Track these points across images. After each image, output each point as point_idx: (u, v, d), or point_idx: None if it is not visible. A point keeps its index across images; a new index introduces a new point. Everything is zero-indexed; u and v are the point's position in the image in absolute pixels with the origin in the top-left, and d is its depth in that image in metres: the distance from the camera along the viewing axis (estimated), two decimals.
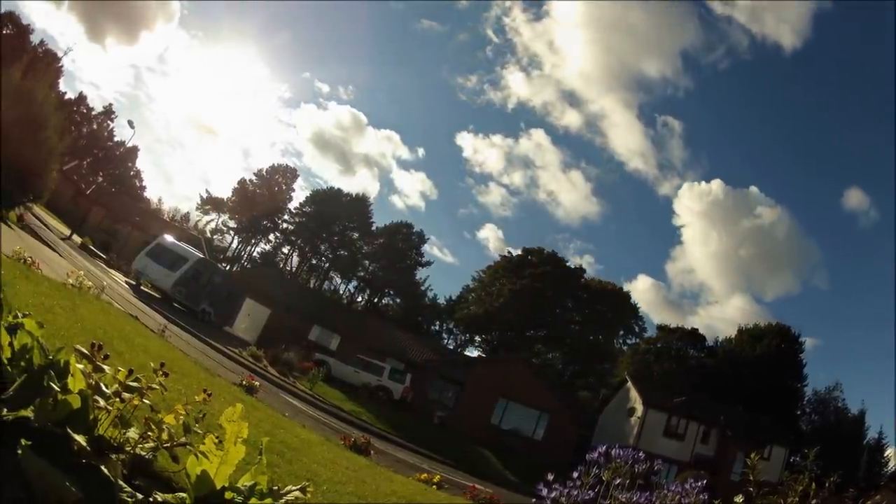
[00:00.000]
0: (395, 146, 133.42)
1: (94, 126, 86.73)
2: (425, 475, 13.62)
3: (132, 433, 3.40)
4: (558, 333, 78.45)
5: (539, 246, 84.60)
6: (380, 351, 43.73)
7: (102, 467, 2.99)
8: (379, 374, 37.96)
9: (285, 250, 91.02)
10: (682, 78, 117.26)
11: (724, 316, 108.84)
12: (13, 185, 19.42)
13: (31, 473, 2.75)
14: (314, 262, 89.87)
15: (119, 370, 3.47)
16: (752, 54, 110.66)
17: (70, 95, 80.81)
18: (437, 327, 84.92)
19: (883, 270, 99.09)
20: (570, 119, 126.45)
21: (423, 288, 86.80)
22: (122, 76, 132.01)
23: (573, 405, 51.82)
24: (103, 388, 3.30)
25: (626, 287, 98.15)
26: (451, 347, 75.03)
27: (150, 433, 3.45)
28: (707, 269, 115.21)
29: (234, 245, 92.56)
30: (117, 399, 3.31)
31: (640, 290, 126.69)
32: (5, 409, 3.03)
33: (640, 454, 4.60)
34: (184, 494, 3.38)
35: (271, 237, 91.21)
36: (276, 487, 3.58)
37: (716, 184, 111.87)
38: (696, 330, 73.92)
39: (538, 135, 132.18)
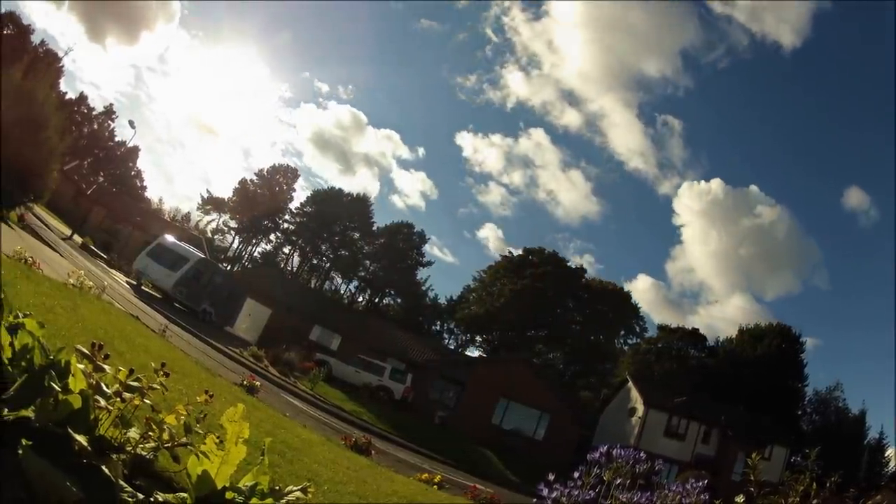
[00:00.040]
0: (395, 145, 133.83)
1: (95, 126, 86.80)
2: (426, 475, 13.61)
3: (133, 433, 3.40)
4: (559, 333, 78.47)
5: (539, 246, 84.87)
6: (381, 351, 43.73)
7: (103, 467, 2.99)
8: (380, 374, 37.95)
9: (286, 250, 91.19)
10: (682, 77, 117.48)
11: (724, 315, 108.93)
12: (14, 185, 19.42)
13: (31, 473, 2.75)
14: (315, 262, 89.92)
15: (120, 370, 3.47)
16: (752, 54, 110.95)
17: (71, 95, 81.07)
18: (438, 327, 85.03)
19: (883, 270, 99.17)
20: (570, 118, 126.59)
21: (423, 288, 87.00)
22: (122, 76, 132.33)
23: (574, 405, 51.82)
24: (104, 388, 3.30)
25: (626, 286, 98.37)
26: (452, 347, 75.05)
27: (151, 433, 3.44)
28: (707, 268, 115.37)
29: (235, 245, 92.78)
30: (118, 399, 3.31)
31: (641, 289, 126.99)
32: (6, 409, 3.03)
33: (642, 454, 4.60)
34: (185, 494, 3.38)
35: (272, 237, 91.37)
36: (277, 487, 3.58)
37: (716, 183, 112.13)
38: (697, 330, 74.06)
39: (538, 134, 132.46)
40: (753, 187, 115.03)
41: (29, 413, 3.06)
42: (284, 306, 46.72)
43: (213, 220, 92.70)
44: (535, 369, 47.63)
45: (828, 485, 5.90)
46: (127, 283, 29.55)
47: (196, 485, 3.36)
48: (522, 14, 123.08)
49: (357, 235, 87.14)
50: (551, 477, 4.31)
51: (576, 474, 4.40)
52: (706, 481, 4.85)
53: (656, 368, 66.18)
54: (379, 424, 27.22)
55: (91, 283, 14.07)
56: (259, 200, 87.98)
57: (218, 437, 3.41)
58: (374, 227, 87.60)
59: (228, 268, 73.46)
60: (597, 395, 67.34)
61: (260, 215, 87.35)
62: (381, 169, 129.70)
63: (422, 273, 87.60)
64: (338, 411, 25.89)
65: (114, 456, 3.14)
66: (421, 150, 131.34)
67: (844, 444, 53.70)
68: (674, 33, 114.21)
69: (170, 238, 34.29)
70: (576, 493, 4.24)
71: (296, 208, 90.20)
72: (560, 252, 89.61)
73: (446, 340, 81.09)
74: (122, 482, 3.08)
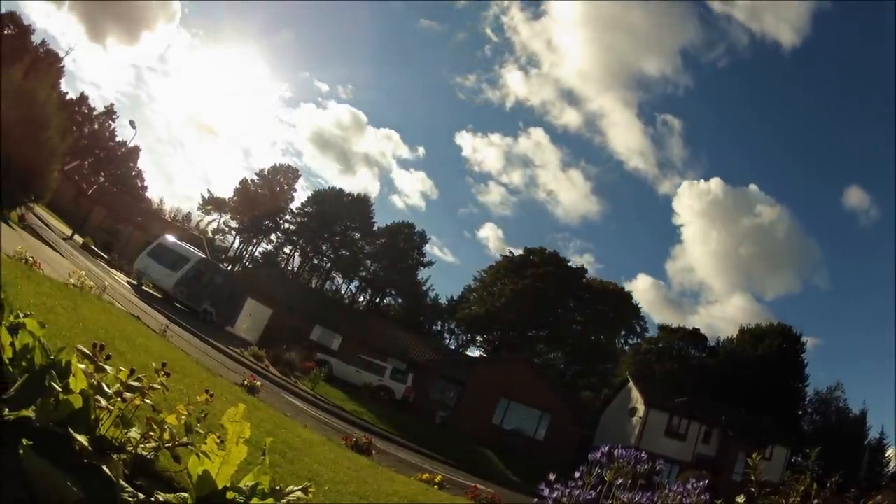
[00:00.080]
0: (395, 145, 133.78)
1: (96, 126, 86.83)
2: (427, 475, 13.61)
3: (134, 433, 3.40)
4: (560, 333, 78.46)
5: (540, 245, 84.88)
6: (381, 351, 43.74)
7: (104, 467, 2.99)
8: (381, 374, 37.95)
9: (287, 250, 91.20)
10: (682, 76, 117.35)
11: (724, 315, 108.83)
12: (15, 185, 19.40)
13: (32, 473, 2.75)
14: (316, 262, 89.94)
15: (121, 370, 3.47)
16: (752, 53, 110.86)
17: (72, 95, 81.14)
18: (438, 327, 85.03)
19: (884, 270, 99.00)
20: (570, 118, 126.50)
21: (424, 288, 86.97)
22: (123, 76, 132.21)
23: (575, 405, 51.81)
24: (105, 388, 3.30)
25: (626, 286, 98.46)
26: (453, 347, 75.03)
27: (151, 433, 3.45)
28: (707, 267, 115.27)
29: (236, 245, 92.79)
30: (119, 399, 3.31)
31: (641, 289, 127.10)
32: (7, 409, 3.03)
33: (643, 454, 4.60)
34: (185, 494, 3.38)
35: (273, 237, 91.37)
36: (278, 487, 3.58)
37: (715, 182, 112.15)
38: (698, 330, 73.98)
39: (537, 133, 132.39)
40: (753, 187, 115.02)
41: (30, 413, 3.06)
42: (285, 306, 46.72)
43: (213, 220, 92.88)
44: (535, 369, 47.62)
45: (828, 485, 5.90)
46: (128, 283, 29.56)
47: (197, 485, 3.36)
48: (521, 13, 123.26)
49: (358, 235, 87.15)
50: (552, 477, 4.32)
51: (577, 474, 4.40)
52: (707, 481, 4.86)
53: (657, 368, 66.15)
54: (380, 424, 27.21)
55: (92, 283, 14.08)
56: (260, 200, 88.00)
57: (219, 437, 3.41)
58: (375, 227, 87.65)
59: (229, 268, 73.48)
60: (597, 396, 67.33)
61: (261, 215, 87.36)
62: (381, 169, 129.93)
63: (423, 273, 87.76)
64: (338, 411, 25.90)
65: (115, 456, 3.15)
66: (421, 150, 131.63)
67: (845, 444, 53.66)
68: (673, 32, 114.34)
69: (170, 238, 34.31)
70: (577, 493, 4.24)
71: (296, 208, 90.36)
72: (560, 252, 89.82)
73: (447, 340, 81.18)
74: (122, 482, 3.09)
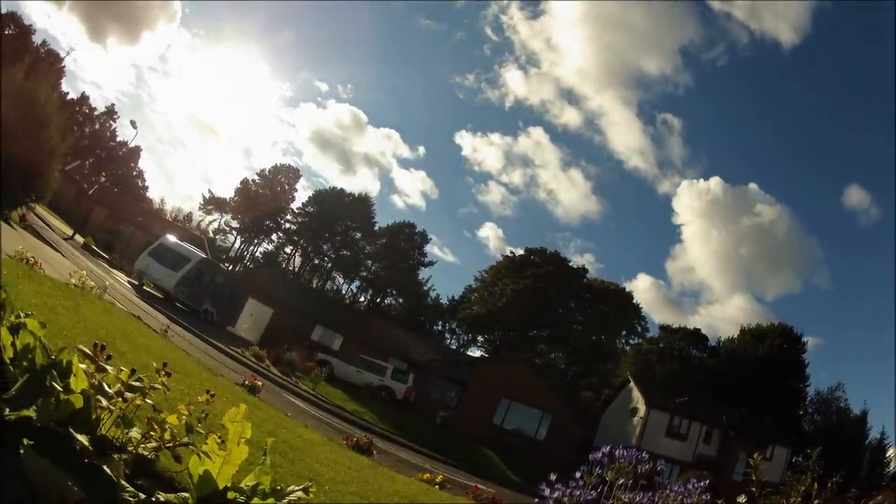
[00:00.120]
0: (395, 144, 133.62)
1: (97, 126, 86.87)
2: (428, 475, 13.61)
3: (135, 433, 3.40)
4: (561, 333, 78.46)
5: (540, 245, 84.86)
6: (382, 351, 43.74)
7: (105, 467, 2.99)
8: (381, 374, 37.96)
9: (288, 250, 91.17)
10: (682, 75, 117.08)
11: (724, 315, 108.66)
12: (16, 185, 19.43)
13: (33, 473, 2.75)
14: (317, 262, 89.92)
15: (121, 370, 3.47)
16: (752, 51, 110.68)
17: (72, 96, 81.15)
18: (439, 327, 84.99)
19: (884, 269, 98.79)
20: (569, 117, 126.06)
21: (425, 288, 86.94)
22: (123, 76, 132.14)
23: (576, 405, 51.80)
24: (106, 387, 3.31)
25: (626, 286, 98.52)
26: (454, 347, 75.01)
27: (152, 433, 3.45)
28: (707, 267, 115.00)
29: (237, 245, 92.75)
30: (120, 399, 3.32)
31: (641, 288, 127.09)
32: (8, 409, 3.03)
33: (644, 454, 4.60)
34: (186, 494, 3.38)
35: (274, 237, 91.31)
36: (278, 487, 3.58)
37: (715, 181, 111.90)
38: (699, 330, 73.91)
39: (537, 133, 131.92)
40: (753, 186, 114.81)
41: (30, 413, 3.06)
42: (286, 306, 46.73)
43: (214, 220, 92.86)
44: (536, 369, 47.58)
45: (829, 485, 5.90)
46: (129, 283, 29.57)
47: (198, 485, 3.36)
48: (521, 13, 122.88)
49: (359, 235, 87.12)
50: (553, 477, 4.32)
51: (577, 474, 4.40)
52: (708, 481, 4.86)
53: (658, 369, 66.11)
54: (380, 424, 27.22)
55: (93, 283, 14.09)
56: (261, 200, 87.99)
57: (220, 437, 3.42)
58: (376, 227, 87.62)
59: (230, 268, 73.46)
60: (598, 396, 67.32)
61: (262, 215, 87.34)
62: (382, 168, 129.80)
63: (423, 273, 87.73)
64: (339, 411, 25.90)
65: (115, 456, 3.15)
66: (421, 149, 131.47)
67: (846, 444, 53.64)
68: (673, 31, 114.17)
69: (171, 238, 34.31)
70: (578, 493, 4.24)
71: (297, 208, 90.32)
72: (560, 251, 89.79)
73: (448, 340, 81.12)
74: (123, 482, 3.09)
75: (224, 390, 10.32)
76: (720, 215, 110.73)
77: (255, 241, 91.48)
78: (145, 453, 3.40)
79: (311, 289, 75.90)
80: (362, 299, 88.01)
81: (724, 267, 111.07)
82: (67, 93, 76.12)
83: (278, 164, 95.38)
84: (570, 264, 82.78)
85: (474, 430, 36.15)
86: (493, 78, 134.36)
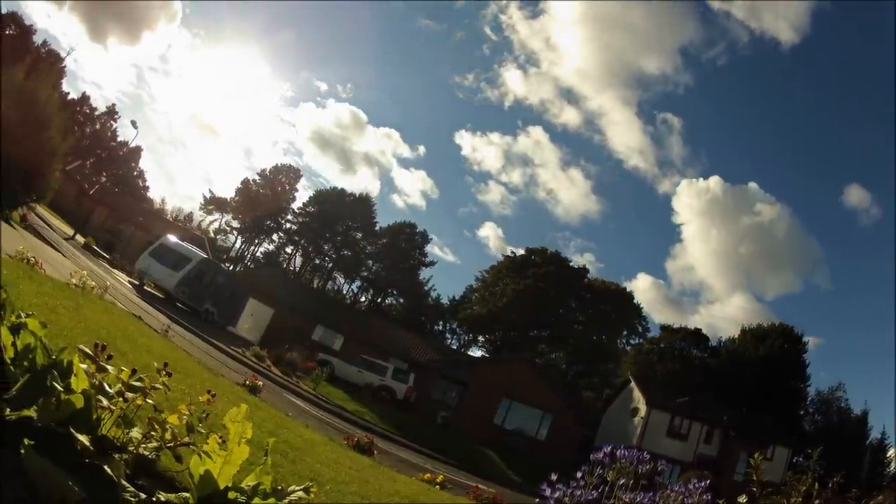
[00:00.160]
0: (395, 144, 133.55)
1: (97, 126, 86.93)
2: (428, 475, 13.61)
3: (135, 433, 3.41)
4: (562, 333, 78.47)
5: (540, 245, 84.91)
6: (383, 351, 43.76)
7: (105, 467, 2.99)
8: (382, 374, 37.97)
9: (289, 250, 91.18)
10: (681, 74, 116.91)
11: (724, 315, 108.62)
12: (16, 185, 19.44)
13: (33, 473, 2.75)
14: (317, 262, 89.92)
15: (122, 370, 3.47)
16: (752, 50, 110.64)
17: (73, 96, 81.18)
18: (440, 327, 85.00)
19: (885, 268, 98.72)
20: (569, 116, 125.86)
21: (426, 288, 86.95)
22: (124, 76, 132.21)
23: (577, 405, 51.78)
24: (106, 387, 3.31)
25: (626, 285, 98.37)
26: (455, 347, 75.03)
27: (153, 433, 3.45)
28: (707, 266, 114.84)
29: (238, 245, 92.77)
30: (120, 399, 3.32)
31: (641, 288, 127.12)
32: (8, 409, 3.03)
33: (645, 454, 4.60)
34: (187, 494, 3.38)
35: (275, 237, 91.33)
36: (279, 487, 3.58)
37: (715, 181, 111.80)
38: (700, 330, 73.89)
39: (536, 132, 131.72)
40: (753, 185, 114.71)
41: (31, 413, 3.06)
42: (287, 306, 46.75)
43: (215, 220, 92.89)
44: (537, 369, 47.57)
45: (830, 485, 5.90)
46: (129, 283, 29.57)
47: (198, 485, 3.36)
48: (520, 12, 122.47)
49: (359, 235, 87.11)
50: (554, 477, 4.32)
51: (578, 474, 4.40)
52: (708, 481, 4.86)
53: (659, 369, 66.12)
54: (381, 424, 27.22)
55: (93, 283, 14.10)
56: (261, 200, 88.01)
57: (220, 437, 3.42)
58: (377, 227, 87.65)
59: (231, 268, 73.54)
60: (599, 396, 67.30)
61: (262, 215, 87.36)
62: (382, 168, 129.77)
63: (424, 273, 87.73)
64: (340, 411, 25.90)
65: (116, 456, 3.15)
66: (421, 149, 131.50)
67: (846, 444, 53.65)
68: (673, 30, 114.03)
69: (172, 238, 34.31)
70: (578, 493, 4.24)
71: (298, 208, 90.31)
72: (560, 251, 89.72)
73: (449, 340, 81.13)
74: (124, 482, 3.09)
75: (225, 390, 10.32)
76: (720, 214, 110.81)
77: (256, 241, 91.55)
78: (146, 453, 3.40)
79: (312, 289, 75.89)
80: (363, 299, 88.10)
81: (723, 266, 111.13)
82: (68, 93, 76.26)
83: (279, 164, 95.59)
84: (571, 264, 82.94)
85: (475, 430, 36.15)
86: (493, 77, 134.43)
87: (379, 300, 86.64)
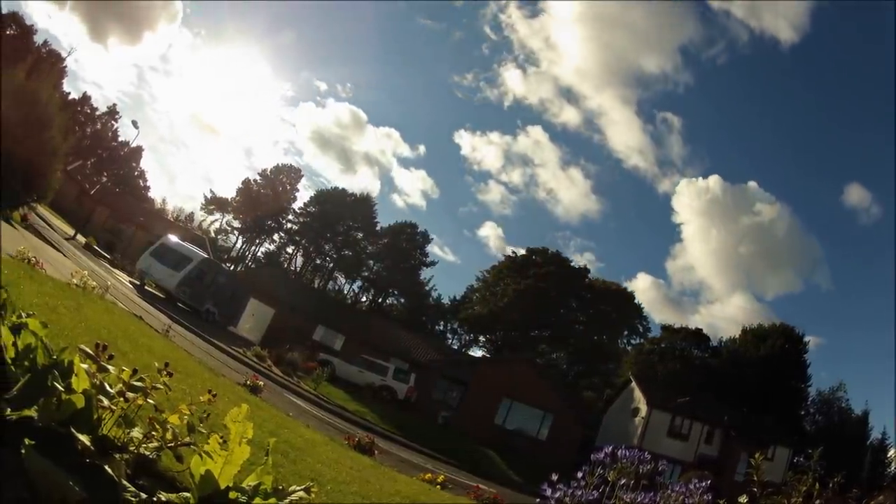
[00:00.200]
0: (395, 143, 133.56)
1: (98, 126, 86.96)
2: (429, 475, 13.61)
3: (136, 433, 3.40)
4: (562, 333, 78.45)
5: (540, 244, 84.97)
6: (384, 351, 43.79)
7: (106, 467, 2.99)
8: (383, 374, 37.98)
9: (289, 250, 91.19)
10: (681, 73, 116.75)
11: (724, 314, 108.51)
12: (17, 184, 19.44)
13: (34, 473, 2.75)
14: (318, 262, 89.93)
15: (123, 370, 3.47)
16: (751, 50, 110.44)
17: (74, 96, 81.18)
18: (441, 327, 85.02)
19: (885, 268, 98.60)
20: (568, 116, 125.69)
21: (427, 288, 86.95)
22: (125, 76, 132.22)
23: (577, 405, 51.76)
24: (107, 387, 3.30)
25: (626, 285, 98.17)
26: (456, 347, 75.07)
27: (154, 433, 3.45)
28: (707, 266, 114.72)
29: (239, 245, 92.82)
30: (121, 399, 3.31)
31: (641, 287, 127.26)
32: (9, 409, 3.03)
33: (646, 455, 4.60)
34: (188, 494, 3.38)
35: (275, 237, 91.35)
36: (280, 487, 3.58)
37: (715, 180, 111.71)
38: (700, 330, 73.89)
39: (536, 132, 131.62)
40: (753, 184, 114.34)
41: (32, 413, 3.06)
42: (288, 306, 46.77)
43: (216, 219, 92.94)
44: (538, 369, 47.54)
45: (830, 485, 5.90)
46: (130, 283, 29.59)
47: (199, 485, 3.36)
48: (519, 11, 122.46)
49: (360, 235, 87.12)
50: (555, 477, 4.32)
51: (579, 474, 4.40)
52: (709, 481, 4.86)
53: (659, 369, 66.09)
54: (382, 424, 27.23)
55: (94, 283, 14.10)
56: (262, 200, 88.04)
57: (221, 437, 3.41)
58: (378, 227, 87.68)
59: (232, 268, 73.58)
60: (600, 396, 67.24)
61: (263, 215, 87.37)
62: (382, 168, 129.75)
63: (425, 273, 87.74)
64: (341, 411, 25.91)
65: (117, 456, 3.15)
66: (421, 148, 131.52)
67: (847, 444, 53.61)
68: (672, 29, 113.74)
69: (173, 238, 34.33)
70: (579, 493, 4.24)
71: (299, 208, 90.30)
72: (560, 250, 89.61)
73: (449, 340, 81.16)
74: (125, 482, 3.09)
75: (226, 390, 10.32)
76: (720, 214, 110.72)
77: (257, 241, 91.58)
78: (147, 453, 3.40)
79: (313, 289, 75.92)
80: (364, 299, 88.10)
81: (724, 266, 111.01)
82: (69, 93, 76.28)
83: (280, 164, 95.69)
84: (572, 264, 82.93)
85: (476, 430, 36.14)
86: (492, 77, 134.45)
87: (380, 300, 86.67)
